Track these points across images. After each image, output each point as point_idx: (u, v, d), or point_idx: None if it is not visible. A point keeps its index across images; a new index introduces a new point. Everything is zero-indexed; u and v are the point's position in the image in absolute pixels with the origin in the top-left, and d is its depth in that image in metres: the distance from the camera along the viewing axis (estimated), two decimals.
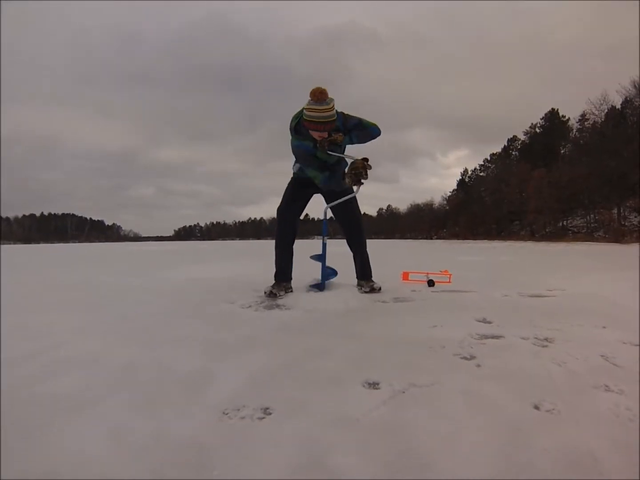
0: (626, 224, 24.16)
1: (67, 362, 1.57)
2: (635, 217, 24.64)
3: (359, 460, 0.90)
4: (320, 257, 3.01)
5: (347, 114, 2.78)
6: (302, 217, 3.23)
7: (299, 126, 2.71)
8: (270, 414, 1.12)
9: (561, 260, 7.91)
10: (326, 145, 2.70)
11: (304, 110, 2.59)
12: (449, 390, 1.23)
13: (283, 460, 0.91)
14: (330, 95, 2.56)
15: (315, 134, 2.67)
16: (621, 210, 24.93)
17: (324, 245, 3.00)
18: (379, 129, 2.85)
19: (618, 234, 20.91)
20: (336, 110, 2.67)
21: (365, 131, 2.83)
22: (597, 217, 27.36)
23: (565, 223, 31.31)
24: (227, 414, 1.12)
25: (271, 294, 2.83)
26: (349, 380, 1.33)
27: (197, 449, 0.96)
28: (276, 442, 0.98)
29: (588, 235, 25.24)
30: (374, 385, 1.29)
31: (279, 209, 3.10)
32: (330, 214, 3.11)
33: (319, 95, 2.52)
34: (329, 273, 3.00)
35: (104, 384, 1.35)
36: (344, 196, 2.89)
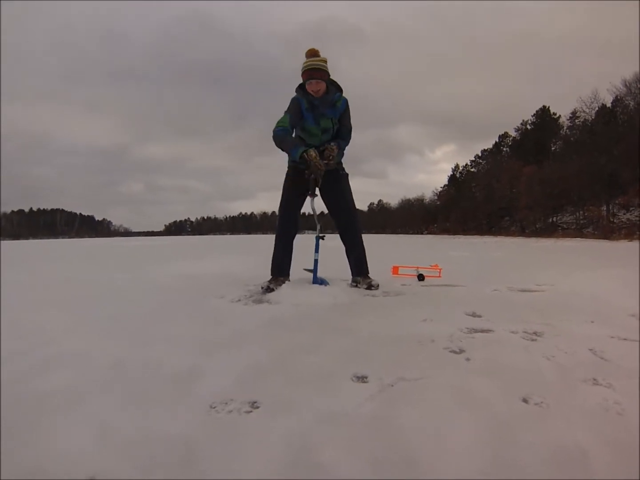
0: (615, 220, 24.39)
1: (55, 360, 1.53)
2: (624, 214, 24.90)
3: (347, 456, 0.89)
4: (313, 271, 2.93)
5: (349, 113, 3.12)
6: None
7: (301, 88, 3.00)
8: (257, 407, 1.11)
9: (551, 256, 7.97)
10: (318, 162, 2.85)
11: (301, 67, 2.94)
12: (438, 385, 1.22)
13: (271, 456, 0.90)
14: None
15: (310, 87, 2.90)
16: (610, 208, 25.18)
17: (316, 261, 2.92)
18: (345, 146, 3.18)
19: (607, 231, 21.12)
20: (343, 97, 3.06)
21: (344, 143, 3.13)
22: (586, 214, 27.60)
23: (555, 219, 31.54)
24: (214, 407, 1.11)
25: (268, 289, 2.80)
26: (338, 375, 1.31)
27: (185, 445, 0.94)
28: (264, 437, 0.97)
29: (577, 231, 25.43)
30: (362, 379, 1.28)
31: (280, 208, 3.12)
32: (318, 208, 3.07)
33: (309, 53, 2.94)
34: (320, 281, 2.90)
35: (93, 381, 1.32)
36: (313, 185, 2.99)
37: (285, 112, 2.95)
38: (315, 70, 2.87)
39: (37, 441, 0.97)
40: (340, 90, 3.05)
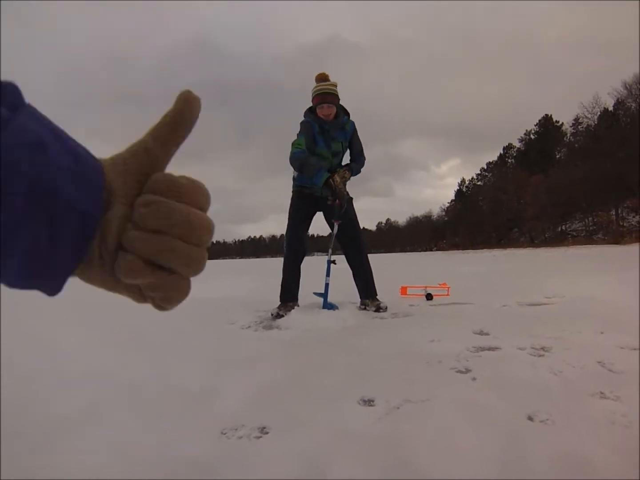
0: (624, 224, 24.17)
1: (75, 379, 1.61)
2: (634, 217, 24.67)
3: (357, 476, 0.90)
4: (324, 295, 2.98)
5: (357, 135, 3.24)
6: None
7: (311, 112, 3.08)
8: (267, 433, 1.13)
9: (561, 265, 7.91)
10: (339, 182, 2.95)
11: (312, 92, 3.05)
12: (444, 405, 1.23)
13: (281, 477, 0.92)
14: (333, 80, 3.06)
15: (321, 111, 2.99)
16: (619, 212, 24.98)
17: (327, 285, 2.98)
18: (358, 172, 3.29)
19: (617, 235, 20.93)
20: (351, 121, 3.16)
21: (357, 166, 3.23)
22: (595, 220, 27.41)
23: (564, 227, 31.32)
24: (225, 433, 1.13)
25: (278, 315, 2.83)
26: (346, 397, 1.33)
27: (198, 466, 0.97)
28: (275, 458, 0.99)
29: (587, 238, 25.25)
30: (369, 402, 1.30)
31: (286, 235, 3.17)
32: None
33: (319, 77, 3.05)
34: (330, 306, 2.92)
35: (110, 401, 1.38)
36: (338, 210, 3.01)
37: (299, 134, 2.99)
38: (327, 94, 2.97)
39: (56, 458, 1.01)
40: (347, 114, 3.14)
